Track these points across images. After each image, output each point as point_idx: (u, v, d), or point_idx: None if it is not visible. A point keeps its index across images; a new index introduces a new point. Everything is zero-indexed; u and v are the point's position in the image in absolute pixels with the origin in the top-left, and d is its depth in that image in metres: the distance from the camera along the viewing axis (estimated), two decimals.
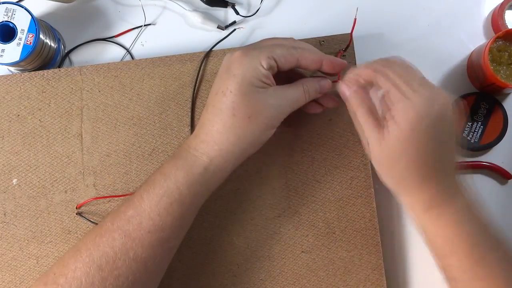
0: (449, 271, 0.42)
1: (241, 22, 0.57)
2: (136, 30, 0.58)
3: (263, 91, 0.42)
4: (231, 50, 0.44)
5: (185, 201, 0.42)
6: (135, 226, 0.41)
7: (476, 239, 0.41)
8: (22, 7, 0.51)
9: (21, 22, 0.51)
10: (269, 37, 0.48)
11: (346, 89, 0.44)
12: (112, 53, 0.57)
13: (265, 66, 0.42)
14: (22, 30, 0.51)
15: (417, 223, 0.43)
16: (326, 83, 0.46)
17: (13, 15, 0.51)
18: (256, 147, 0.44)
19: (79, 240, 0.43)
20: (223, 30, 0.57)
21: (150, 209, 0.41)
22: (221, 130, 0.42)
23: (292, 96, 0.44)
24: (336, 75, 0.47)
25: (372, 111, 0.43)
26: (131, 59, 0.57)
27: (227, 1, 0.57)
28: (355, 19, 0.49)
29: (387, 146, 0.41)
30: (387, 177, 0.43)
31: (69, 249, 0.43)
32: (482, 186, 0.54)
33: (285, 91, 0.44)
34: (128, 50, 0.57)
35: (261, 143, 0.44)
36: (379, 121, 0.42)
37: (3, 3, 0.51)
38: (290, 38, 0.47)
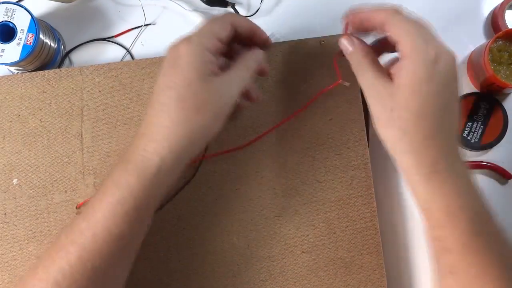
0: (443, 241, 0.39)
1: None
2: (136, 30, 0.58)
3: (209, 80, 0.40)
4: (173, 41, 0.42)
5: (141, 206, 0.40)
6: (89, 238, 0.39)
7: (476, 211, 0.38)
8: (22, 7, 0.52)
9: (21, 22, 0.51)
10: None
11: (348, 44, 0.43)
12: (112, 53, 0.57)
13: (211, 50, 0.40)
14: (22, 30, 0.51)
15: (412, 189, 0.40)
16: (259, 51, 0.45)
17: (13, 15, 0.51)
18: (209, 138, 0.42)
19: (37, 259, 0.42)
20: None
21: (105, 220, 0.39)
22: (169, 125, 0.39)
23: (238, 78, 0.42)
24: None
25: (377, 63, 0.41)
26: (131, 59, 0.57)
27: (227, 1, 0.57)
28: (347, 23, 0.49)
29: (390, 97, 0.38)
30: (387, 132, 0.40)
31: (29, 269, 0.41)
32: (482, 186, 0.54)
33: (229, 74, 0.42)
34: (128, 50, 0.57)
35: (214, 133, 0.42)
36: (384, 73, 0.40)
37: (3, 3, 0.52)
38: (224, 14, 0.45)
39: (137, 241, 0.42)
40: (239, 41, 0.44)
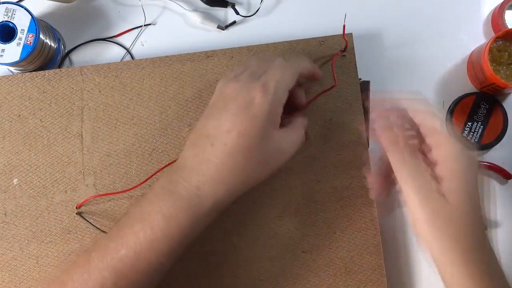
0: None
1: (241, 22, 0.57)
2: (136, 30, 0.58)
3: (276, 135, 0.41)
4: (232, 80, 0.42)
5: (185, 242, 0.40)
6: (129, 266, 0.38)
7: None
8: (22, 7, 0.52)
9: (21, 22, 0.51)
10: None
11: (387, 143, 0.43)
12: (112, 53, 0.57)
13: (283, 104, 0.41)
14: (22, 30, 0.51)
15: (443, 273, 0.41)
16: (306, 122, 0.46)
17: (13, 15, 0.51)
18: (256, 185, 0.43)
19: (63, 273, 0.40)
20: (223, 30, 0.57)
21: (148, 252, 0.39)
22: (233, 170, 0.39)
23: (297, 140, 0.44)
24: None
25: (422, 164, 0.42)
26: (131, 59, 0.57)
27: (227, 1, 0.57)
28: (344, 25, 0.50)
29: (444, 211, 0.40)
30: (434, 237, 0.41)
31: (52, 281, 0.41)
32: (482, 186, 0.54)
33: (291, 136, 0.43)
34: (128, 50, 0.57)
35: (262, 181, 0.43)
36: (428, 174, 0.41)
37: (3, 3, 0.52)
38: (274, 55, 0.46)
39: (167, 272, 0.41)
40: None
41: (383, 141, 0.43)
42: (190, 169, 0.40)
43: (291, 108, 0.45)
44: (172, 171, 0.41)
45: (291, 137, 0.43)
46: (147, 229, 0.39)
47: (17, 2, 0.54)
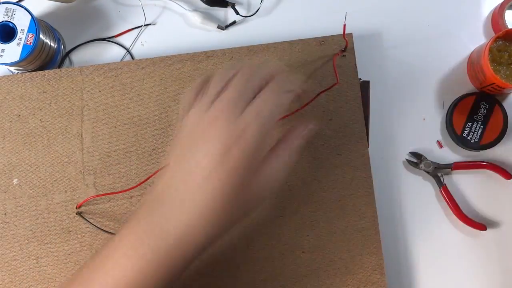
0: None
1: (241, 22, 0.58)
2: (136, 30, 0.58)
3: (267, 167, 0.37)
4: (215, 108, 0.36)
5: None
6: None
7: None
8: (22, 7, 0.52)
9: (21, 22, 0.52)
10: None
11: None
12: (112, 53, 0.57)
13: (275, 127, 0.37)
14: (22, 30, 0.51)
15: None
16: (310, 128, 0.40)
17: (13, 15, 0.51)
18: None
19: None
20: (223, 30, 0.57)
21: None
22: (222, 210, 0.35)
23: (286, 165, 0.38)
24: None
25: None
26: (131, 59, 0.57)
27: (227, 1, 0.57)
28: (344, 25, 0.50)
29: None
30: None
31: None
32: (482, 186, 0.54)
33: (278, 165, 0.38)
34: (128, 50, 0.57)
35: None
36: None
37: (3, 3, 0.52)
38: (270, 71, 0.38)
39: None
40: None
41: None
42: (174, 203, 0.36)
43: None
44: (152, 206, 0.37)
45: (274, 167, 0.37)
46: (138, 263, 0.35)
47: (17, 2, 0.54)
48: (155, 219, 0.36)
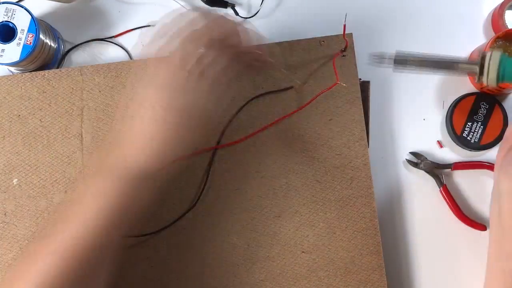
0: None
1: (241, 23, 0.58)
2: (136, 30, 0.58)
3: (191, 94, 0.41)
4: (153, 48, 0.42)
5: (131, 210, 0.41)
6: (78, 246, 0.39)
7: None
8: (22, 7, 0.52)
9: (21, 22, 0.52)
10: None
11: None
12: (112, 53, 0.58)
13: (191, 68, 0.41)
14: (22, 30, 0.52)
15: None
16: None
17: (13, 15, 0.52)
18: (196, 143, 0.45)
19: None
20: None
21: (94, 231, 0.39)
22: (153, 140, 0.40)
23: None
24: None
25: None
26: (131, 59, 0.57)
27: (227, 2, 0.57)
28: (344, 25, 0.50)
29: None
30: None
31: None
32: (482, 186, 0.55)
33: (201, 88, 0.41)
34: (128, 51, 0.58)
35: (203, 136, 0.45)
36: None
37: (3, 3, 0.52)
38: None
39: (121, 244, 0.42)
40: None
41: None
42: (116, 143, 0.41)
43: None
44: (102, 147, 0.43)
45: (197, 92, 0.41)
46: (76, 206, 0.40)
47: (17, 2, 0.54)
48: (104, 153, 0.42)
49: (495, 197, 0.46)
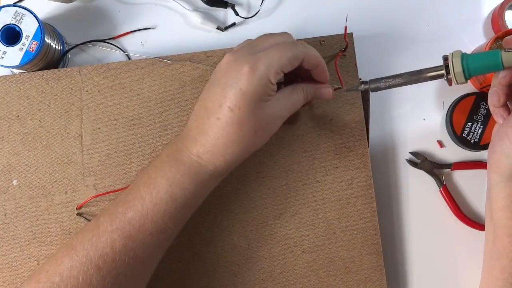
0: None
1: (241, 23, 0.59)
2: (136, 32, 0.59)
3: (268, 104, 0.44)
4: (230, 54, 0.45)
5: (189, 205, 0.45)
6: (136, 228, 0.42)
7: None
8: (32, 13, 0.53)
9: (28, 27, 0.53)
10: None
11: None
12: (111, 53, 0.59)
13: (274, 82, 0.44)
14: (27, 36, 0.52)
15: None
16: (327, 92, 0.49)
17: (21, 20, 0.52)
18: (253, 152, 0.47)
19: (72, 238, 0.44)
20: (223, 31, 0.58)
21: (154, 213, 0.43)
22: (228, 143, 0.43)
23: (294, 103, 0.47)
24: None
25: None
26: (131, 59, 0.58)
27: (227, 2, 0.58)
28: (346, 27, 0.51)
29: None
30: None
31: (62, 247, 0.44)
32: (482, 186, 0.55)
33: (287, 99, 0.46)
34: (127, 51, 0.58)
35: (261, 146, 0.47)
36: None
37: (14, 5, 0.53)
38: (285, 33, 0.48)
39: (174, 236, 0.46)
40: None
41: None
42: (192, 139, 0.45)
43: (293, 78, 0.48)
44: (178, 139, 0.46)
45: (288, 102, 0.46)
46: (153, 192, 0.43)
47: (18, 2, 0.54)
48: (176, 148, 0.45)
49: (487, 194, 0.48)
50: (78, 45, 0.58)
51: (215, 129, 0.43)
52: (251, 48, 0.45)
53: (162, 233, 0.44)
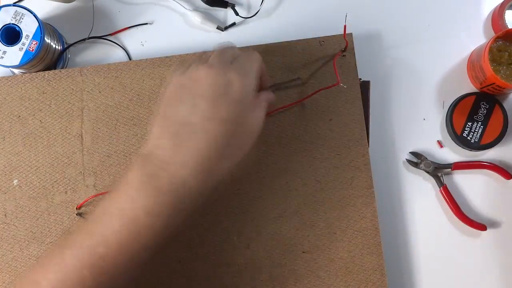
0: None
1: (240, 23, 0.60)
2: (136, 29, 0.60)
3: (251, 117, 0.42)
4: (208, 64, 0.42)
5: (170, 233, 0.40)
6: (109, 263, 0.39)
7: None
8: (31, 13, 0.54)
9: (28, 27, 0.53)
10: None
11: None
12: (112, 53, 0.59)
13: (256, 90, 0.43)
14: (27, 36, 0.53)
15: None
16: (273, 97, 0.47)
17: (21, 19, 0.53)
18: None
19: (34, 271, 0.41)
20: (222, 31, 0.59)
21: (131, 249, 0.39)
22: (218, 159, 0.40)
23: (262, 118, 0.44)
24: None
25: None
26: (131, 59, 0.59)
27: (227, 2, 0.59)
28: (345, 26, 0.52)
29: None
30: None
31: (24, 281, 0.41)
32: (482, 186, 0.56)
33: (257, 115, 0.43)
34: (127, 51, 0.59)
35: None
36: None
37: (14, 5, 0.54)
38: (232, 46, 0.46)
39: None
40: None
41: None
42: (173, 162, 0.39)
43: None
44: (147, 161, 0.40)
45: (257, 116, 0.43)
46: (131, 227, 0.39)
47: (18, 1, 0.55)
48: (150, 172, 0.40)
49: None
50: (75, 42, 0.59)
51: (204, 144, 0.40)
52: (221, 60, 0.42)
53: (137, 264, 0.40)
